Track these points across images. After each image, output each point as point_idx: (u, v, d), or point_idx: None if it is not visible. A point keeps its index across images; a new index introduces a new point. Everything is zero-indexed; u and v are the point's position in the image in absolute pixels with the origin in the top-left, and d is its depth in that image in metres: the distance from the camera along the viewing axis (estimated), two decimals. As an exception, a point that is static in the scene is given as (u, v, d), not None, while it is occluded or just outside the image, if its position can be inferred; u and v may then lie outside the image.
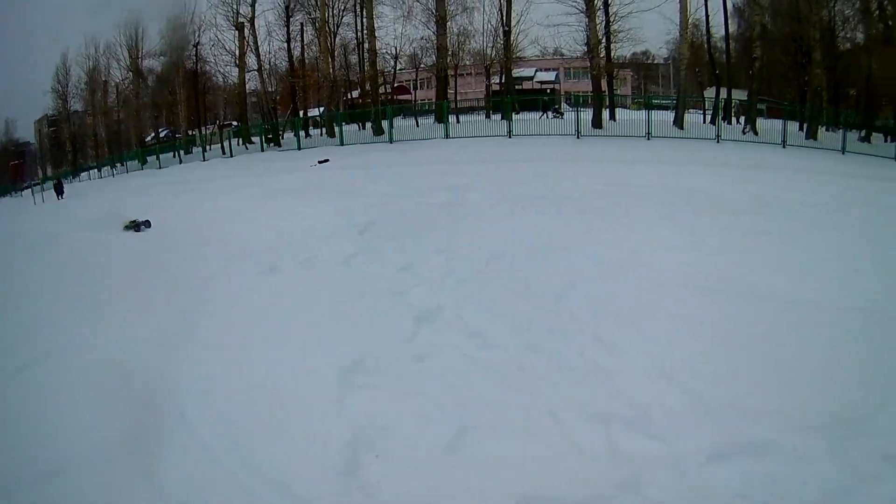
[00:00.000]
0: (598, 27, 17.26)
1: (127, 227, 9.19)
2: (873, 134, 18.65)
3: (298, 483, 3.17)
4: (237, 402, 3.92)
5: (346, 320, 5.01)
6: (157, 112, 24.71)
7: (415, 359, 4.37)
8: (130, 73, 24.86)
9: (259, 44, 21.06)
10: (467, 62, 18.82)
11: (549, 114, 18.58)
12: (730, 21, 19.72)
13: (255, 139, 21.08)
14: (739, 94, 18.50)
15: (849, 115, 18.21)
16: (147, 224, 9.23)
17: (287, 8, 20.88)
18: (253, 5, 20.95)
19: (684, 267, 6.27)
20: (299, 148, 19.52)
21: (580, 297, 5.39)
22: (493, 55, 18.37)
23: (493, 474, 3.18)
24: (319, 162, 17.26)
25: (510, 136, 16.94)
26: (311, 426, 3.61)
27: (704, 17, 19.45)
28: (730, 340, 4.66)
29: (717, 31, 20.30)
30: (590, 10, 17.25)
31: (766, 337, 4.74)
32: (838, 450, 3.49)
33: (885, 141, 18.26)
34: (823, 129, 18.06)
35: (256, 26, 21.13)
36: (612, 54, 17.61)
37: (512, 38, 18.21)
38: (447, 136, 17.47)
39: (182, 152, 22.85)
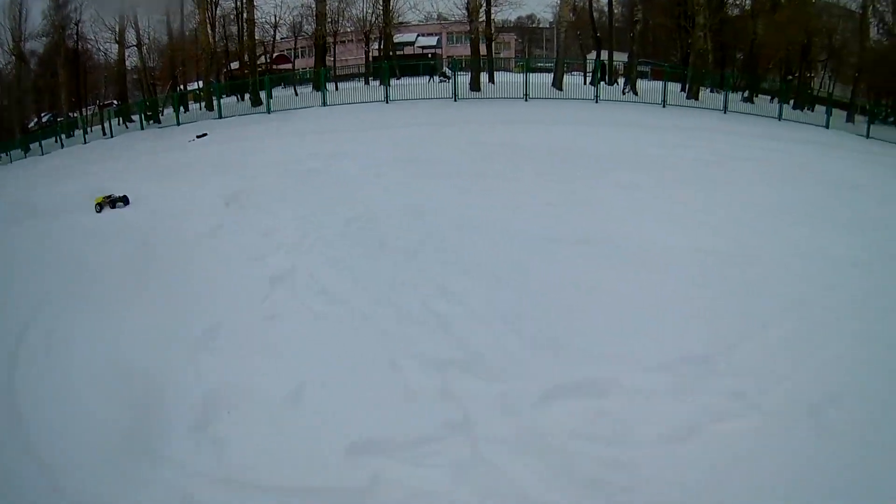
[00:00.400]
0: (478, -9, 16.84)
1: (100, 204, 8.42)
2: (759, 95, 18.77)
3: (157, 442, 3.38)
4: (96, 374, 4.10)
5: (206, 288, 5.21)
6: (38, 96, 23.31)
7: (266, 318, 4.60)
8: (13, 57, 23.43)
9: (138, 18, 19.98)
10: (348, 29, 18.10)
11: (437, 77, 18.12)
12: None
13: (136, 117, 19.97)
14: (623, 57, 18.29)
15: (732, 77, 18.36)
16: (125, 200, 8.50)
17: (168, -21, 19.88)
18: (134, -23, 19.93)
19: (549, 219, 6.39)
20: (178, 123, 18.53)
21: (430, 252, 5.58)
22: (372, 21, 17.73)
23: (330, 422, 3.35)
24: (198, 136, 16.47)
25: (388, 102, 16.28)
26: (168, 389, 3.79)
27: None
28: (580, 287, 4.68)
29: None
30: (470, -26, 16.84)
31: (618, 282, 4.80)
32: (685, 389, 3.54)
33: (771, 101, 18.31)
34: (708, 90, 18.04)
35: (136, -1, 20.06)
36: (494, 18, 17.19)
37: (391, 4, 17.66)
38: (325, 104, 16.70)
39: (64, 136, 21.52)
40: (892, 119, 20.54)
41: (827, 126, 17.86)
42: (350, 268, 5.33)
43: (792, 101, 18.48)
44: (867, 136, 18.02)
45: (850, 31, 19.49)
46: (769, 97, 18.95)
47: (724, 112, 16.82)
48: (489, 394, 3.46)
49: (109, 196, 8.50)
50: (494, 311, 4.34)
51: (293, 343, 4.16)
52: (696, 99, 17.35)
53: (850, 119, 19.27)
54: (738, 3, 19.23)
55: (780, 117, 17.32)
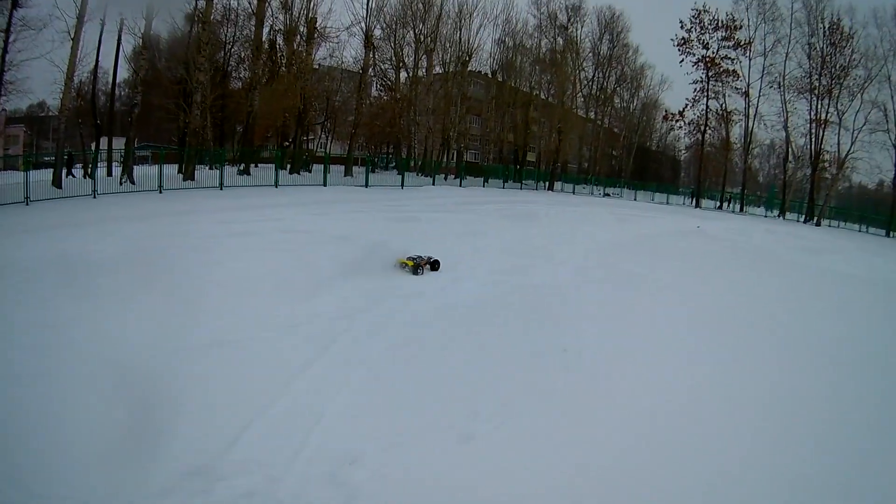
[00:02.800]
0: (-17, 81, 15.53)
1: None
2: (258, 165, 21.43)
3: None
4: None
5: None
6: None
7: None
8: None
9: None
10: None
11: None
12: (125, 68, 19.58)
13: None
14: (122, 143, 18.87)
15: (230, 151, 20.31)
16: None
17: None
18: None
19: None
20: None
21: None
22: None
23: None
24: None
25: None
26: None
27: (94, 64, 19.07)
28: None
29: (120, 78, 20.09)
30: (-20, 61, 15.36)
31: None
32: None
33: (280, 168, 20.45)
34: (206, 168, 19.93)
35: None
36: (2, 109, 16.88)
37: None
38: None
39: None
40: (392, 165, 24.88)
41: (325, 184, 21.24)
42: None
43: (289, 167, 21.52)
44: (366, 186, 21.87)
45: (352, 90, 22.66)
46: (270, 165, 21.13)
47: (221, 189, 18.90)
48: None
49: None
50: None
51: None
52: (192, 179, 18.99)
53: (348, 173, 23.04)
54: (240, 76, 20.73)
55: (276, 184, 20.06)
